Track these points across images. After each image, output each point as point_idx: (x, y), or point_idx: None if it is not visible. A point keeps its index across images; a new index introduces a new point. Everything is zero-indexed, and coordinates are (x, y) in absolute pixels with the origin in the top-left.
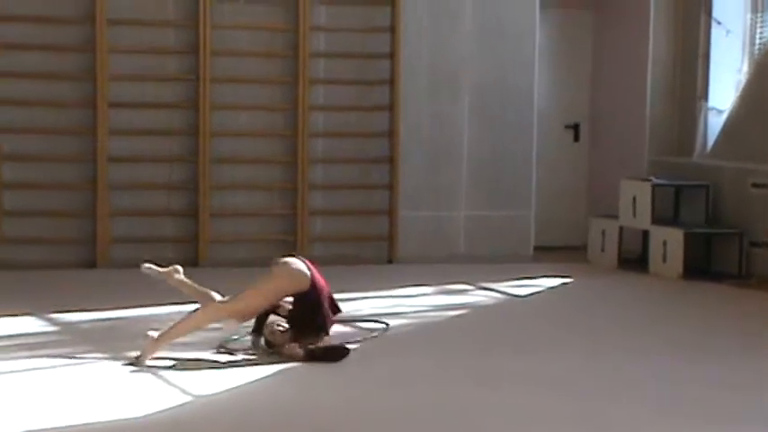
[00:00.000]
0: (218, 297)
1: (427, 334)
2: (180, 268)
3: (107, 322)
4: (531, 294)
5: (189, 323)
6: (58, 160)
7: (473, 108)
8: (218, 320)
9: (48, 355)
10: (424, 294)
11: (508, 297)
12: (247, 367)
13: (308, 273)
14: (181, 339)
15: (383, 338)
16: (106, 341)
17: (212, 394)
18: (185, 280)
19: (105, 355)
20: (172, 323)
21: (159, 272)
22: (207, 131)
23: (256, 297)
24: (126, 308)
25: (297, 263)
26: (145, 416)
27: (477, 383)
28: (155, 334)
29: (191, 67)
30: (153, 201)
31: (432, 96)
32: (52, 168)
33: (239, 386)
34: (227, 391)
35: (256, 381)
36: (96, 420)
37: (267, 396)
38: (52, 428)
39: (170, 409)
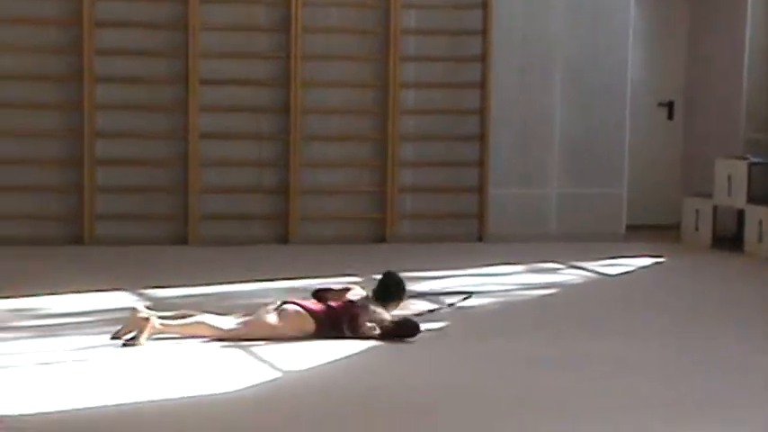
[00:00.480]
0: (207, 318)
1: (516, 313)
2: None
3: (196, 298)
4: (623, 274)
5: (194, 329)
6: (151, 137)
7: (565, 85)
8: (218, 337)
9: None
10: (514, 273)
11: (599, 276)
12: (338, 343)
13: (311, 319)
14: None
15: (470, 317)
16: None
17: (302, 370)
18: (168, 322)
19: None
20: (180, 320)
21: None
22: (297, 108)
23: (260, 330)
24: (214, 284)
25: (298, 311)
26: (234, 391)
27: (567, 365)
28: (156, 320)
29: (281, 45)
30: (243, 178)
31: (523, 73)
32: (144, 145)
33: (328, 362)
34: (316, 367)
35: (345, 357)
36: (185, 395)
37: (355, 373)
38: (143, 402)
39: (259, 384)
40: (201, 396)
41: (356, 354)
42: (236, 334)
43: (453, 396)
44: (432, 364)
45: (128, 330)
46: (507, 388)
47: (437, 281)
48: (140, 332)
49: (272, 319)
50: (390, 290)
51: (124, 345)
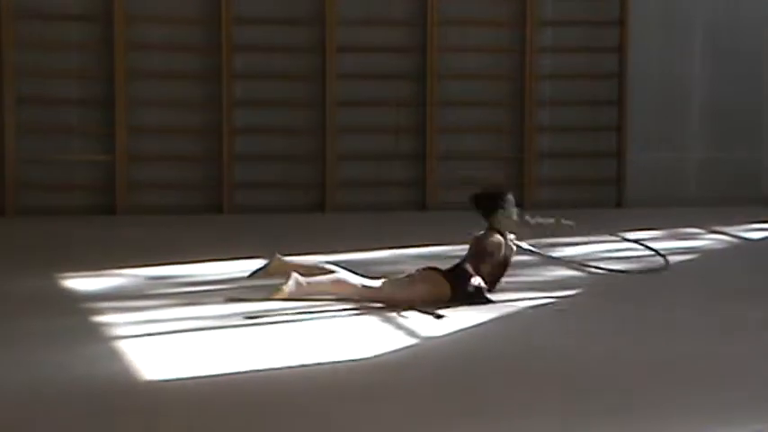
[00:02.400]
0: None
1: (658, 279)
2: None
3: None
4: (764, 239)
5: (335, 287)
6: (288, 105)
7: (705, 48)
8: (358, 296)
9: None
10: (654, 238)
11: (740, 241)
12: (476, 310)
13: (447, 283)
14: None
15: (613, 285)
16: None
17: (440, 336)
18: (310, 280)
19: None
20: (320, 276)
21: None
22: (434, 74)
23: (398, 291)
24: (351, 251)
25: (435, 274)
26: (372, 357)
27: (720, 331)
28: (299, 278)
29: (415, 12)
30: (380, 144)
31: (662, 36)
32: (282, 113)
33: (467, 328)
34: (455, 332)
35: (483, 324)
36: (322, 361)
37: (495, 339)
38: (280, 368)
39: (397, 350)
40: (339, 362)
41: (495, 319)
42: (374, 294)
43: (613, 367)
44: (580, 333)
45: (268, 274)
46: (659, 353)
47: (575, 247)
48: (284, 275)
49: (407, 283)
50: (489, 199)
51: (251, 275)
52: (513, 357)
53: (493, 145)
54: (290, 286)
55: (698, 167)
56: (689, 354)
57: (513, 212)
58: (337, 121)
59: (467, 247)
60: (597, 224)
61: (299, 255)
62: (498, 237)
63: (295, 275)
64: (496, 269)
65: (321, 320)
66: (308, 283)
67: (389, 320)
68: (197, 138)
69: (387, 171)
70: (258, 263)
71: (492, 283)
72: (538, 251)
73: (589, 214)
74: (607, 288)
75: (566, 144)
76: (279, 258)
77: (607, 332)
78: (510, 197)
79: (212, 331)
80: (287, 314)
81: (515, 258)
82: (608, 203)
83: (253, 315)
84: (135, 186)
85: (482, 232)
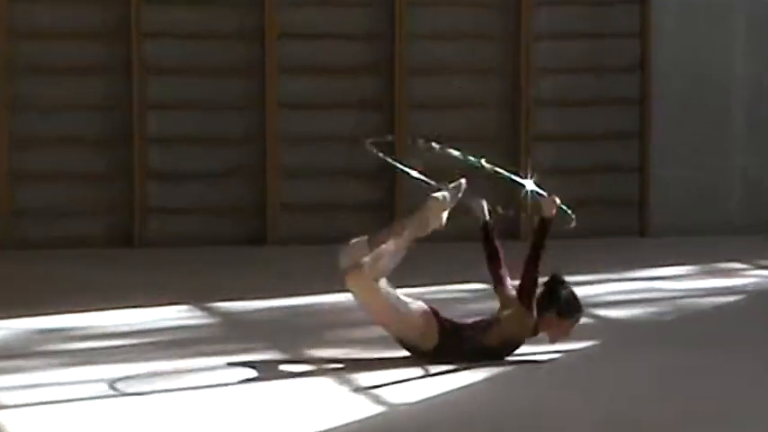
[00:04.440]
0: None
1: (691, 325)
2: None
3: None
4: None
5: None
6: (217, 107)
7: (749, 32)
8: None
9: None
10: (686, 276)
11: None
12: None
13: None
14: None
15: (636, 330)
16: None
17: (411, 404)
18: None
19: None
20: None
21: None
22: (404, 68)
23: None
24: (298, 295)
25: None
26: (327, 430)
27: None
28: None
29: None
30: (334, 156)
31: (692, 17)
32: (209, 117)
33: (443, 393)
34: (429, 399)
35: (464, 387)
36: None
37: (485, 404)
38: None
39: (359, 422)
40: None
41: (481, 381)
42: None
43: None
44: (590, 389)
45: None
46: (703, 411)
47: (588, 286)
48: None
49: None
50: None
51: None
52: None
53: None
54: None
55: (741, 183)
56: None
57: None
58: (280, 127)
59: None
60: (614, 258)
61: (229, 300)
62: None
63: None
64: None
65: (258, 383)
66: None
67: (349, 383)
68: (99, 150)
69: (342, 191)
70: (177, 311)
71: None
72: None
73: (604, 245)
74: (632, 334)
75: (572, 156)
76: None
77: (637, 387)
78: (568, 294)
79: (114, 400)
80: (222, 377)
81: None
82: (628, 231)
83: (162, 374)
84: (17, 213)
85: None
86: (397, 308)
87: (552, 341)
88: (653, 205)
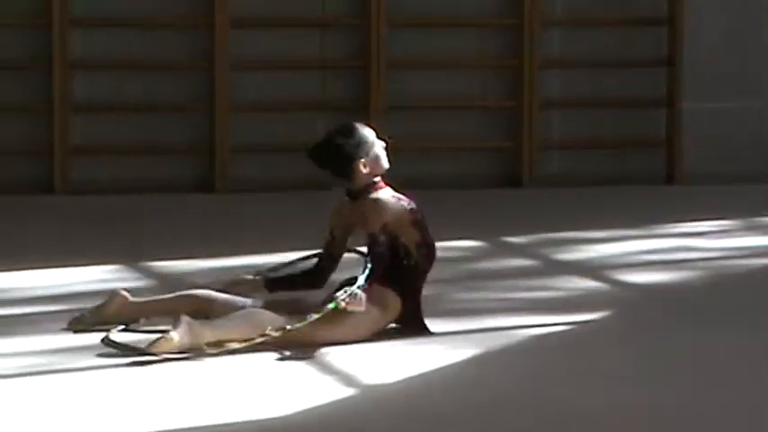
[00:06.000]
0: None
1: (728, 293)
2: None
3: None
4: None
5: (252, 329)
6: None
7: None
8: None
9: None
10: (722, 232)
11: None
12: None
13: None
14: None
15: (659, 299)
16: None
17: (385, 384)
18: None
19: None
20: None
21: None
22: None
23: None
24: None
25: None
26: (295, 414)
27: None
28: (190, 321)
29: None
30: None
31: None
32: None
33: (420, 374)
34: (406, 380)
35: (444, 367)
36: (231, 421)
37: (461, 387)
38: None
39: (328, 404)
40: (252, 422)
41: (463, 362)
42: (306, 334)
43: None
44: (599, 373)
45: (102, 320)
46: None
47: (606, 244)
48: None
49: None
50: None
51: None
52: (489, 412)
53: (471, 86)
54: (180, 333)
55: None
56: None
57: (381, 152)
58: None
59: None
60: (635, 210)
61: (168, 259)
62: (377, 198)
63: (185, 318)
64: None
65: (208, 361)
66: (206, 328)
67: (317, 362)
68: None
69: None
70: (105, 271)
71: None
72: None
73: (623, 195)
74: (652, 307)
75: (585, 85)
76: (121, 296)
77: (651, 370)
78: (366, 133)
79: (34, 378)
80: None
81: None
82: (652, 179)
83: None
84: None
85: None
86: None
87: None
88: (684, 146)
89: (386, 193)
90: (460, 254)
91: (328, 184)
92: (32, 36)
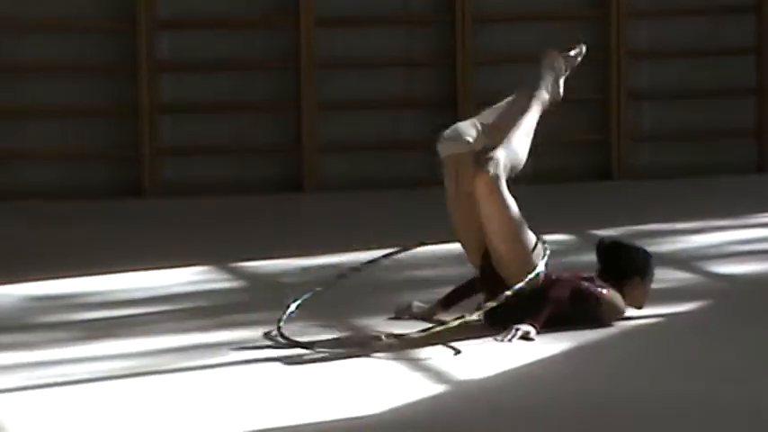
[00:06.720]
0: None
1: None
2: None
3: None
4: None
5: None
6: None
7: None
8: None
9: None
10: None
11: None
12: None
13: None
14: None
15: (755, 291)
16: None
17: (475, 380)
18: None
19: None
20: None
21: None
22: None
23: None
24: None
25: None
26: (383, 413)
27: None
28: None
29: None
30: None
31: None
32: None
33: (511, 369)
34: (496, 376)
35: (535, 362)
36: (322, 419)
37: (558, 383)
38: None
39: (417, 402)
40: (342, 420)
41: (560, 354)
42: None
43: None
44: (672, 369)
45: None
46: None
47: (697, 236)
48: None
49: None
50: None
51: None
52: (589, 406)
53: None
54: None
55: None
56: None
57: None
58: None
59: None
60: (726, 200)
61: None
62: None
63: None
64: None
65: (299, 360)
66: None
67: (405, 359)
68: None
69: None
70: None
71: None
72: None
73: (714, 184)
74: (727, 302)
75: (673, 76)
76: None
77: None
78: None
79: (132, 380)
80: (241, 346)
81: None
82: (744, 168)
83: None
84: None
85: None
86: (522, 229)
87: (641, 306)
88: None
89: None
90: (555, 248)
91: (413, 183)
92: (119, 39)
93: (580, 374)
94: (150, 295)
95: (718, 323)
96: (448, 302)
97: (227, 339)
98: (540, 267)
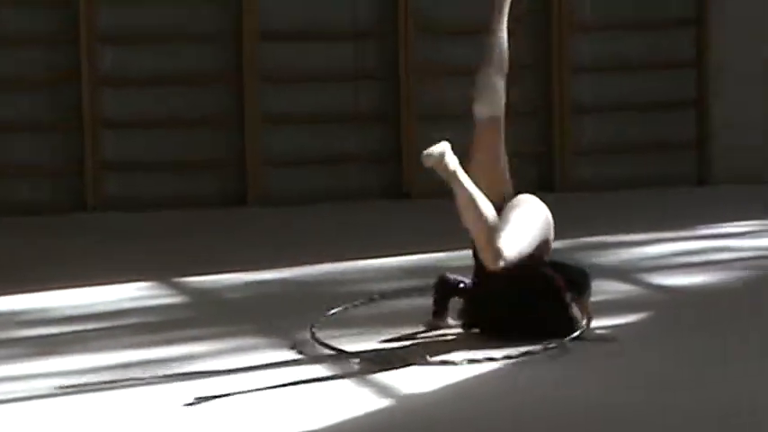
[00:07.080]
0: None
1: (764, 293)
2: None
3: None
4: None
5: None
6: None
7: None
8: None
9: None
10: (752, 232)
11: None
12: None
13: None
14: None
15: (697, 301)
16: None
17: (421, 395)
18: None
19: None
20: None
21: None
22: None
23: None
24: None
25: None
26: (328, 427)
27: None
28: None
29: None
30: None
31: None
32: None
33: (457, 383)
34: (442, 389)
35: (484, 375)
36: None
37: (510, 396)
38: None
39: (362, 417)
40: None
41: (495, 369)
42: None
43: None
44: (637, 378)
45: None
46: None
47: (640, 248)
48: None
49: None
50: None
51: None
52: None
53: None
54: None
55: None
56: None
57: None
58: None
59: None
60: (668, 212)
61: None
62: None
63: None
64: None
65: (248, 374)
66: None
67: (349, 371)
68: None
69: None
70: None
71: None
72: None
73: (655, 197)
74: (691, 310)
75: (614, 89)
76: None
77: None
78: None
79: (81, 396)
80: (187, 362)
81: None
82: (684, 180)
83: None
84: None
85: None
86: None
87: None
88: (716, 147)
89: None
90: None
91: (357, 196)
92: (61, 52)
93: (520, 388)
94: (93, 311)
95: (658, 334)
96: (440, 311)
97: (172, 355)
98: None
